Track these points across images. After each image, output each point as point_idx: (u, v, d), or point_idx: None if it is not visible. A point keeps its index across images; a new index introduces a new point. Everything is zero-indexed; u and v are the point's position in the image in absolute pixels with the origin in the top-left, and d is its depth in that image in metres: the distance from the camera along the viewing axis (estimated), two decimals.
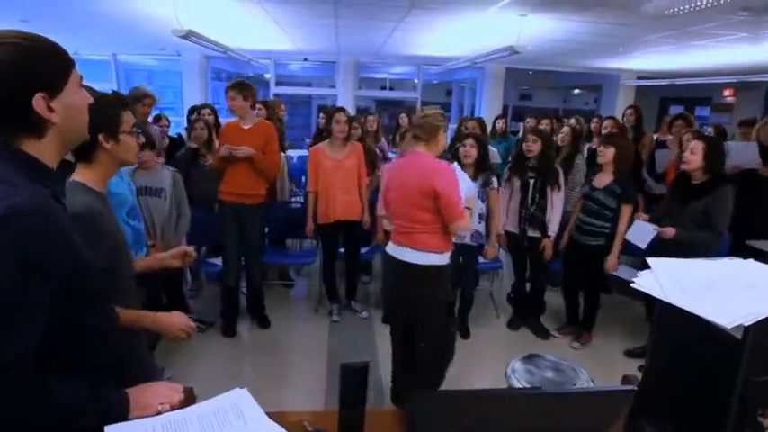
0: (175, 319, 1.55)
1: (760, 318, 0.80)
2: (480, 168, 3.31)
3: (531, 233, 3.50)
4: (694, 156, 2.86)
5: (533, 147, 3.42)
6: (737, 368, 0.87)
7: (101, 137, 1.40)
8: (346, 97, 8.95)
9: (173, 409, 1.02)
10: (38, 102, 0.90)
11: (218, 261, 3.72)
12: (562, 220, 3.51)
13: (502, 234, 3.61)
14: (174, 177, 3.21)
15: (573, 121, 4.85)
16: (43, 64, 0.92)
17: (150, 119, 4.78)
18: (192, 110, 4.87)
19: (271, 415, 1.00)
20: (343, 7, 3.85)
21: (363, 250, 4.08)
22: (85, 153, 1.43)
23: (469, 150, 3.26)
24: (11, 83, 0.88)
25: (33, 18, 4.92)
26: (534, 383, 1.84)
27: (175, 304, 3.47)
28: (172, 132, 4.80)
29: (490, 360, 3.22)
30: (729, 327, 0.81)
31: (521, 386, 1.85)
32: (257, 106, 4.66)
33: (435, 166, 2.27)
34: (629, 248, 3.45)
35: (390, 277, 2.51)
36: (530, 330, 3.67)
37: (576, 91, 14.09)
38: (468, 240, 3.38)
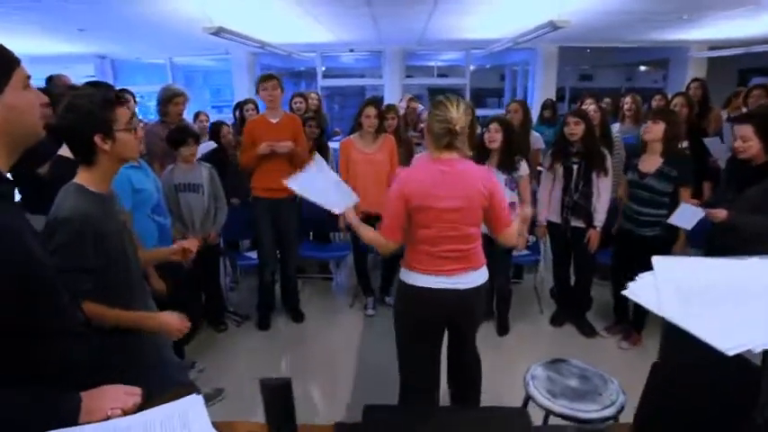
0: (173, 320, 1.57)
1: None
2: (508, 155, 3.10)
3: (575, 223, 3.24)
4: (747, 142, 2.39)
5: (576, 129, 3.15)
6: (756, 401, 0.69)
7: (97, 139, 1.40)
8: (393, 86, 8.83)
9: (125, 414, 0.98)
10: None
11: (255, 255, 3.77)
12: (609, 207, 3.22)
13: (544, 225, 3.38)
14: (211, 173, 3.28)
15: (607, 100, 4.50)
16: None
17: (191, 116, 4.94)
18: (237, 105, 4.98)
19: (219, 425, 0.93)
20: None
21: None
22: (85, 156, 1.44)
23: (494, 135, 3.06)
24: None
25: (89, 27, 5.22)
26: (554, 392, 1.67)
27: (213, 298, 3.56)
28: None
29: (527, 358, 3.01)
30: (729, 352, 0.64)
31: (539, 394, 1.69)
32: (297, 99, 4.72)
33: (483, 171, 2.05)
34: (695, 240, 3.12)
35: (439, 308, 2.03)
36: (575, 327, 3.41)
37: (643, 68, 13.07)
38: None
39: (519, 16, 4.35)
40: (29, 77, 1.00)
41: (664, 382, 0.88)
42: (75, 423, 0.95)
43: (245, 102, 4.68)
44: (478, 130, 3.42)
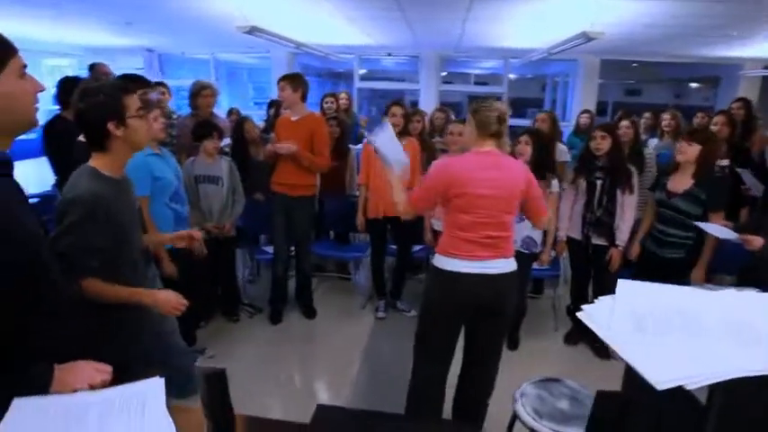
0: (170, 297, 1.60)
1: (708, 380, 0.58)
2: (537, 168, 3.02)
3: (596, 240, 3.13)
4: None
5: (602, 144, 3.05)
6: None
7: (110, 125, 1.46)
8: (429, 92, 8.81)
9: (92, 389, 1.02)
10: None
11: (272, 250, 3.83)
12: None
13: (563, 240, 3.28)
14: (231, 166, 3.37)
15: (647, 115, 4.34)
16: None
17: (224, 113, 5.08)
18: (271, 103, 5.09)
19: (176, 410, 0.95)
20: None
21: (417, 248, 3.96)
22: (99, 142, 1.51)
23: (523, 148, 2.99)
24: None
25: (136, 20, 5.46)
26: (541, 413, 1.61)
27: (228, 289, 3.64)
28: None
29: (532, 376, 2.93)
30: (658, 386, 0.60)
31: (525, 413, 1.64)
32: (327, 99, 4.78)
33: (521, 164, 2.16)
34: (720, 265, 2.97)
35: (468, 293, 2.06)
36: (588, 348, 3.29)
37: (693, 85, 12.52)
38: (518, 246, 3.12)
39: (554, 26, 4.25)
40: (25, 66, 1.05)
41: (609, 412, 0.84)
42: (45, 392, 0.99)
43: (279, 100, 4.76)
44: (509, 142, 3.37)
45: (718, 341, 0.63)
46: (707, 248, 2.80)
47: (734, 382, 0.61)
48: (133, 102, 1.50)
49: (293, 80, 3.22)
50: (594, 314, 0.76)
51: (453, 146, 3.18)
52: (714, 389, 0.63)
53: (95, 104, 1.43)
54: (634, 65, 9.27)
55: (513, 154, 3.08)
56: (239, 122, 4.04)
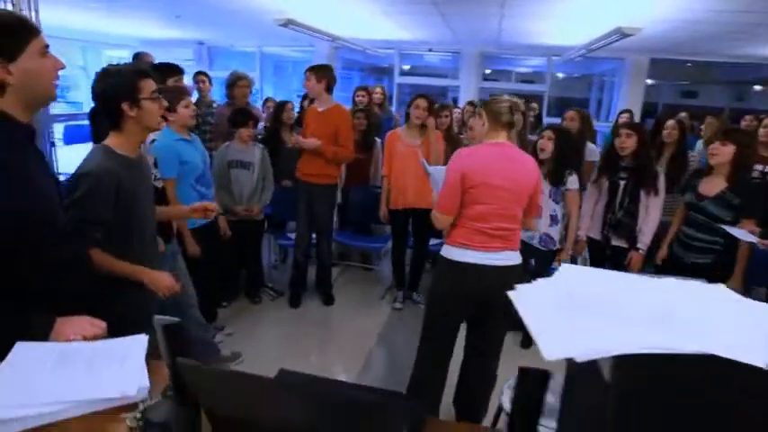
0: (165, 278, 1.67)
1: (596, 354, 0.60)
2: (557, 166, 2.99)
3: (616, 242, 3.06)
4: None
5: (627, 142, 2.95)
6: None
7: (124, 105, 1.57)
8: (468, 88, 8.73)
9: (85, 340, 1.14)
10: None
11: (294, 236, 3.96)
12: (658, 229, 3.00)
13: (583, 240, 3.22)
14: (263, 154, 3.51)
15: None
16: None
17: (259, 102, 5.26)
18: (305, 96, 5.23)
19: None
20: None
21: (435, 242, 3.98)
22: (114, 121, 1.63)
23: (545, 143, 2.96)
24: None
25: (184, 14, 5.73)
26: None
27: (252, 271, 3.80)
28: None
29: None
30: (546, 357, 0.63)
31: (508, 404, 1.66)
32: (359, 92, 4.87)
33: (530, 157, 2.18)
34: (754, 276, 2.83)
35: (477, 284, 2.07)
36: None
37: (758, 87, 11.75)
38: (536, 243, 3.10)
39: (590, 22, 4.14)
40: (47, 46, 1.19)
41: (528, 387, 0.87)
42: (45, 339, 1.12)
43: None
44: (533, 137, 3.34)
45: (627, 321, 0.65)
46: (741, 257, 2.68)
47: (635, 361, 0.63)
48: (148, 85, 1.60)
49: (318, 71, 3.31)
50: (524, 291, 0.79)
51: (473, 140, 3.19)
52: (615, 367, 0.65)
53: (112, 85, 1.54)
54: (688, 65, 8.83)
55: (535, 149, 3.07)
56: (280, 104, 4.16)
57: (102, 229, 1.55)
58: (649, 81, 9.21)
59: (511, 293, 0.80)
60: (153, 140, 2.55)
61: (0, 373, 1.00)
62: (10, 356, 1.04)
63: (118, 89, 1.56)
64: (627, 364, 0.63)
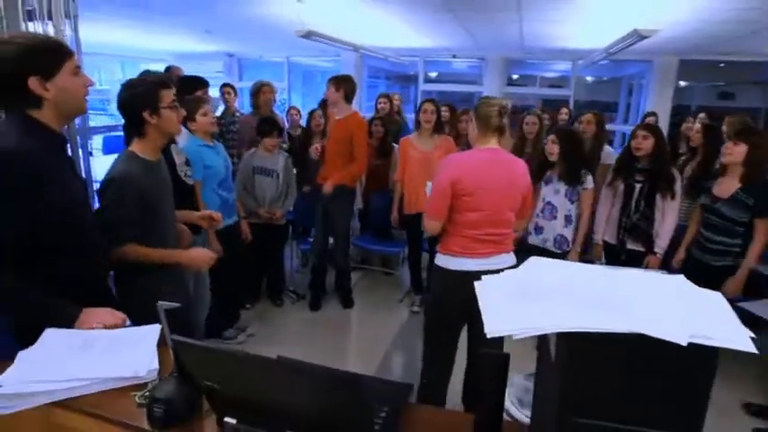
0: (201, 253, 1.81)
1: (531, 332, 0.66)
2: (570, 165, 3.00)
3: (631, 245, 3.04)
4: None
5: (643, 144, 2.93)
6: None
7: (145, 114, 1.72)
8: (492, 94, 8.71)
9: (106, 328, 1.26)
10: (32, 82, 1.23)
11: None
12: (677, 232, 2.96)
13: (599, 244, 3.21)
14: (287, 162, 3.65)
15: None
16: (38, 56, 1.25)
17: (283, 111, 5.43)
18: (322, 103, 5.36)
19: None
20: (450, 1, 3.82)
21: None
22: (137, 128, 1.78)
23: (551, 147, 2.98)
24: (12, 70, 1.22)
25: (213, 29, 6.00)
26: (525, 402, 1.67)
27: (274, 275, 3.93)
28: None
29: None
30: (488, 334, 0.69)
31: (510, 402, 1.70)
32: (381, 100, 4.98)
33: (522, 162, 2.20)
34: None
35: (470, 292, 2.17)
36: None
37: None
38: (550, 245, 3.10)
39: (609, 25, 4.12)
40: (79, 67, 1.34)
41: (490, 368, 0.92)
42: (71, 326, 1.25)
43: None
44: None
45: (568, 305, 0.71)
46: (748, 258, 2.64)
47: (575, 339, 0.69)
48: (167, 95, 1.74)
49: (337, 81, 3.43)
50: (488, 281, 0.85)
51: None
52: (558, 345, 0.71)
53: (134, 95, 1.69)
54: (721, 65, 8.55)
55: (543, 152, 3.10)
56: (311, 113, 4.32)
57: (133, 228, 1.67)
58: (682, 83, 8.97)
59: (476, 283, 0.87)
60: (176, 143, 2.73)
61: (32, 353, 1.13)
62: (41, 340, 1.17)
63: (140, 99, 1.70)
64: (568, 342, 0.69)
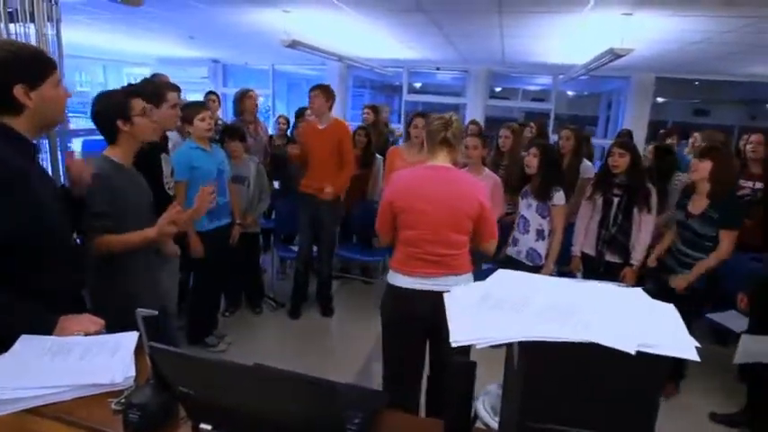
0: (163, 223, 1.80)
1: (493, 341, 0.70)
2: (544, 181, 3.08)
3: (609, 258, 3.12)
4: None
5: (619, 161, 3.03)
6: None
7: (119, 122, 1.78)
8: (475, 106, 8.86)
9: (85, 335, 1.27)
10: (17, 90, 1.25)
11: (296, 249, 4.09)
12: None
13: (578, 256, 3.29)
14: (258, 168, 3.66)
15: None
16: (27, 66, 1.27)
17: (271, 120, 5.44)
18: (299, 111, 5.35)
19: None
20: (434, 13, 3.91)
21: None
22: (110, 136, 1.82)
23: (531, 160, 3.06)
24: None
25: (197, 34, 6.00)
26: (497, 411, 1.70)
27: (252, 282, 3.92)
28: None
29: None
30: (453, 343, 0.73)
31: (483, 410, 1.73)
32: (366, 110, 5.04)
33: (474, 181, 2.15)
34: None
35: (414, 309, 2.03)
36: None
37: None
38: (523, 258, 3.17)
39: (586, 43, 4.26)
40: (60, 79, 1.36)
41: (459, 376, 0.96)
42: (50, 333, 1.25)
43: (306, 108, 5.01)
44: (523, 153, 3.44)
45: (528, 316, 0.75)
46: (708, 260, 2.77)
47: (536, 349, 0.73)
48: (138, 104, 1.80)
49: (326, 91, 3.46)
50: (456, 292, 0.89)
51: (467, 159, 3.29)
52: (520, 354, 0.75)
53: (107, 106, 1.75)
54: (696, 83, 8.85)
55: (523, 167, 3.17)
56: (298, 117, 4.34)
57: (106, 220, 1.70)
58: (660, 99, 9.23)
59: (445, 294, 0.91)
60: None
61: (6, 360, 1.13)
62: (15, 347, 1.17)
63: (112, 109, 1.75)
64: (528, 351, 0.74)
